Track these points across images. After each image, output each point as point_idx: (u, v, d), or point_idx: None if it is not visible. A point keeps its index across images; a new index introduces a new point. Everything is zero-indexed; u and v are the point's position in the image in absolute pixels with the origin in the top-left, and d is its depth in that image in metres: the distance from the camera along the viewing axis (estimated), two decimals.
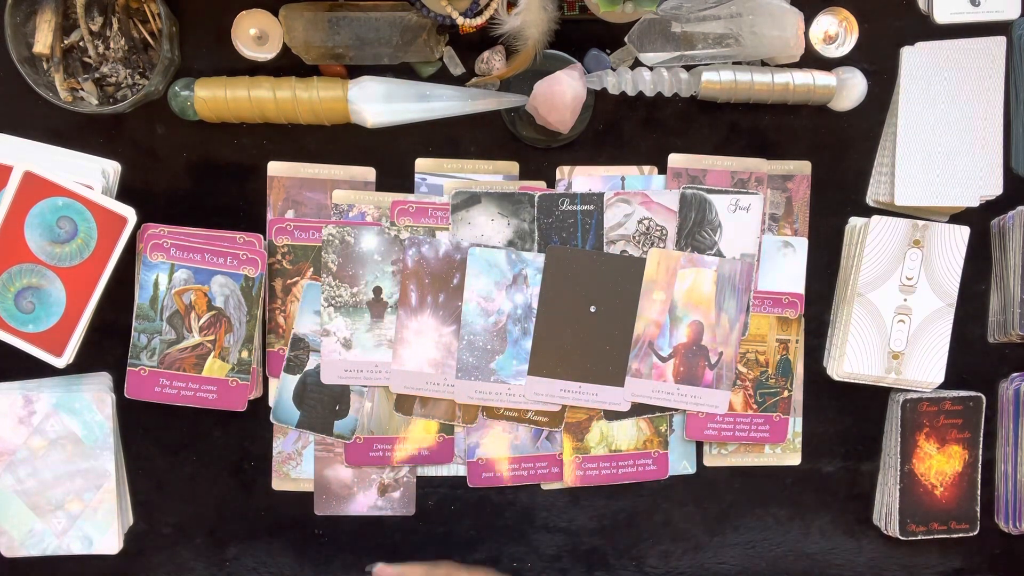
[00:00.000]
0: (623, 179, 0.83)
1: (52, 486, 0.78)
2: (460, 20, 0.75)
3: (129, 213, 0.75)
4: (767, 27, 0.79)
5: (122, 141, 0.80)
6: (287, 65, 0.80)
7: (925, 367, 0.84)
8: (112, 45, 0.77)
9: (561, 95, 0.77)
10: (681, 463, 0.87)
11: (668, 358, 0.83)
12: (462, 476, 0.85)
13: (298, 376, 0.82)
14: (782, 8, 0.79)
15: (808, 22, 0.83)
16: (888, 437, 0.88)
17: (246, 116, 0.78)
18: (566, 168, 0.83)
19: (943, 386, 0.85)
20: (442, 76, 0.81)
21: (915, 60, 0.83)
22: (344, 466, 0.83)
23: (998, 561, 0.90)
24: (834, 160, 0.86)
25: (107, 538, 0.80)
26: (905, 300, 0.84)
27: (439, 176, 0.82)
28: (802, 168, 0.85)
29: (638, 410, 0.84)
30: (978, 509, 0.87)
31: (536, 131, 0.81)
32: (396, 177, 0.82)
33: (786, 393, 0.86)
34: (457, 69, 0.81)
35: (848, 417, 0.88)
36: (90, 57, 0.77)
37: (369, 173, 0.82)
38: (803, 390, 0.87)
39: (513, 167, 0.83)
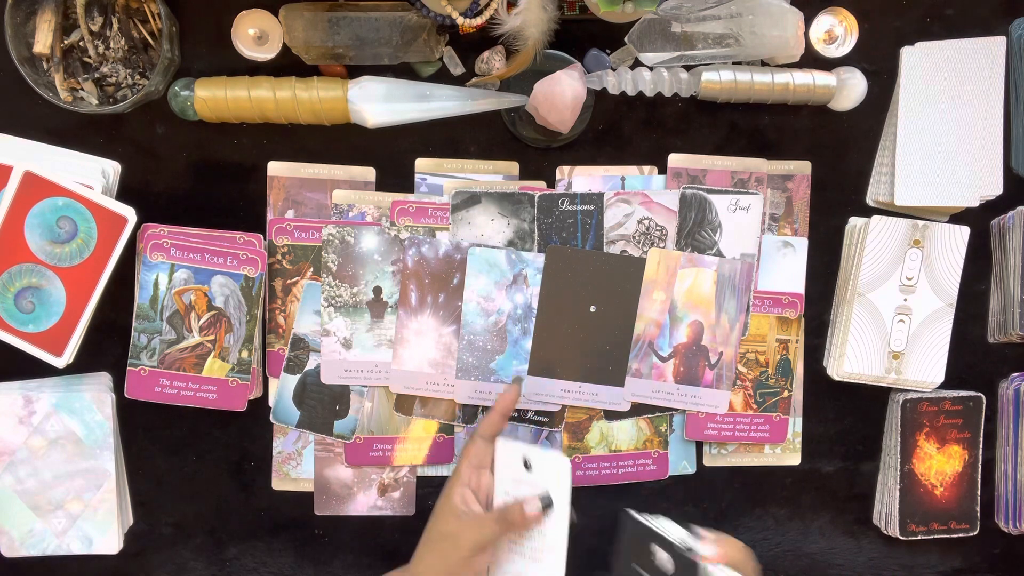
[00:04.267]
0: (623, 179, 0.83)
1: (52, 486, 0.78)
2: (460, 20, 0.75)
3: (129, 213, 0.75)
4: (767, 27, 0.79)
5: (122, 141, 0.80)
6: (287, 65, 0.80)
7: (925, 367, 0.84)
8: (112, 45, 0.77)
9: (561, 95, 0.77)
10: (681, 463, 0.87)
11: (668, 358, 0.83)
12: None
13: (298, 376, 0.82)
14: (782, 8, 0.79)
15: (808, 22, 0.83)
16: (888, 437, 0.88)
17: (246, 116, 0.78)
18: (566, 168, 0.83)
19: (943, 386, 0.86)
20: (442, 76, 0.81)
21: (915, 60, 0.83)
22: (344, 466, 0.83)
23: (998, 561, 0.90)
24: (834, 160, 0.86)
25: (107, 538, 0.80)
26: (905, 300, 0.84)
27: (439, 176, 0.82)
28: (802, 168, 0.85)
29: (638, 410, 0.84)
30: (978, 509, 0.87)
31: (536, 131, 0.81)
32: (396, 177, 0.82)
33: (786, 393, 0.86)
34: (457, 69, 0.81)
35: (848, 417, 0.88)
36: (90, 57, 0.77)
37: (369, 173, 0.82)
38: (803, 390, 0.87)
39: (513, 167, 0.83)
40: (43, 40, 0.75)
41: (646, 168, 0.84)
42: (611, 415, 0.84)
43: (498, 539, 0.69)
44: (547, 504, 0.68)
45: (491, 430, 0.74)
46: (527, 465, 0.70)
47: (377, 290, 0.81)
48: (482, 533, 0.68)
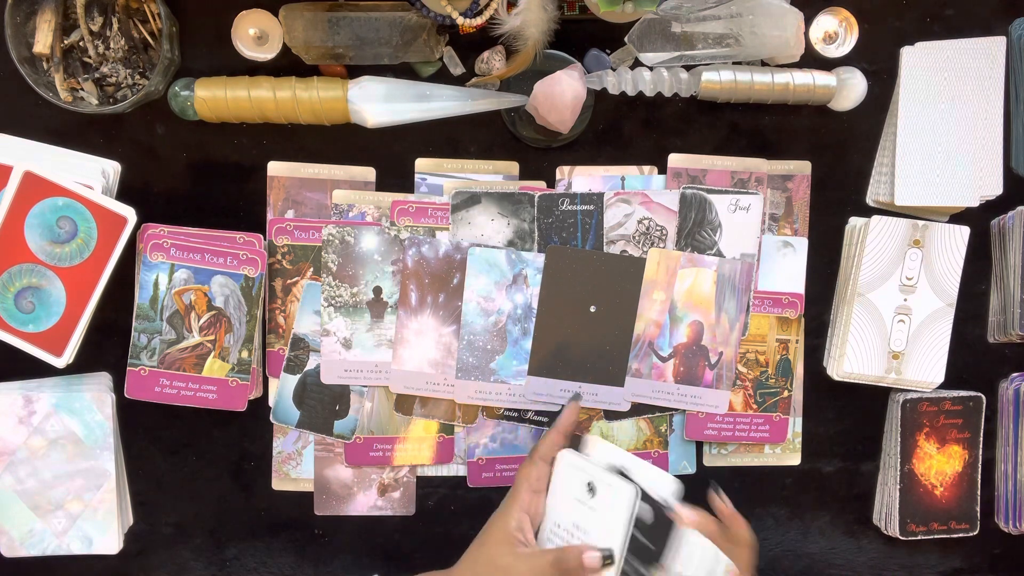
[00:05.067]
0: (623, 179, 0.84)
1: (52, 486, 0.78)
2: (460, 20, 0.75)
3: (129, 213, 0.75)
4: (767, 27, 0.79)
5: (122, 141, 0.80)
6: (287, 65, 0.80)
7: (925, 367, 0.84)
8: (112, 45, 0.77)
9: (561, 95, 0.77)
10: (681, 463, 0.87)
11: (668, 358, 0.83)
12: (462, 476, 0.85)
13: (298, 376, 0.82)
14: (782, 8, 0.79)
15: (808, 22, 0.83)
16: (888, 437, 0.88)
17: (246, 116, 0.78)
18: (566, 168, 0.83)
19: (943, 386, 0.86)
20: (442, 76, 0.81)
21: (915, 60, 0.83)
22: (344, 466, 0.83)
23: (998, 561, 0.90)
24: (834, 160, 0.86)
25: (107, 538, 0.80)
26: (905, 300, 0.84)
27: (439, 176, 0.82)
28: (802, 168, 0.85)
29: (638, 410, 0.84)
30: (978, 509, 0.87)
31: (536, 131, 0.81)
32: (396, 177, 0.82)
33: (786, 393, 0.86)
34: (457, 69, 0.81)
35: (848, 417, 0.88)
36: (90, 57, 0.77)
37: (369, 173, 0.82)
38: (803, 390, 0.87)
39: (513, 167, 0.83)
40: (43, 40, 0.75)
41: (646, 168, 0.84)
42: (611, 415, 0.84)
43: None
44: (608, 559, 0.63)
45: (552, 451, 0.71)
46: (591, 489, 0.66)
47: (377, 290, 0.81)
48: (534, 574, 0.65)
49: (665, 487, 0.69)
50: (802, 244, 0.85)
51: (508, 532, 0.67)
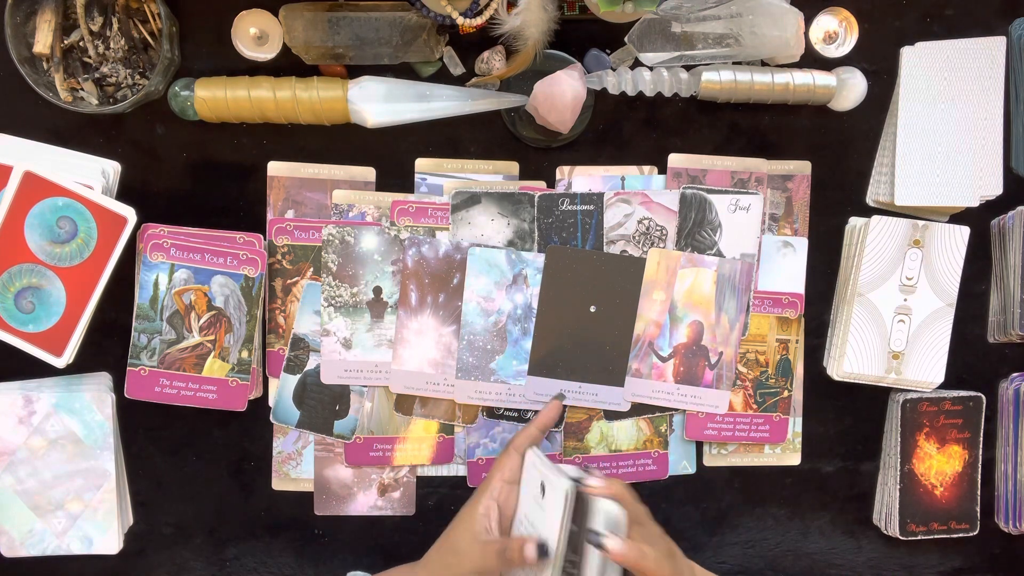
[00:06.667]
0: (623, 179, 0.84)
1: (52, 486, 0.78)
2: (460, 20, 0.75)
3: (129, 213, 0.75)
4: (767, 27, 0.79)
5: (122, 141, 0.80)
6: (287, 65, 0.80)
7: (925, 367, 0.84)
8: (112, 45, 0.77)
9: (561, 95, 0.77)
10: (681, 463, 0.87)
11: (668, 358, 0.83)
12: (462, 476, 0.85)
13: (298, 376, 0.82)
14: (782, 8, 0.79)
15: (808, 22, 0.83)
16: (888, 437, 0.88)
17: (246, 116, 0.78)
18: (566, 168, 0.83)
19: (943, 386, 0.86)
20: (442, 76, 0.81)
21: (915, 60, 0.83)
22: (344, 466, 0.83)
23: (998, 561, 0.90)
24: (834, 160, 0.86)
25: (107, 538, 0.80)
26: (905, 300, 0.84)
27: (439, 176, 0.82)
28: (802, 168, 0.85)
29: (638, 410, 0.84)
30: (978, 509, 0.87)
31: (536, 131, 0.81)
32: (396, 177, 0.82)
33: (786, 393, 0.86)
34: (457, 69, 0.81)
35: (848, 417, 0.88)
36: (90, 57, 0.77)
37: (369, 173, 0.82)
38: (803, 390, 0.87)
39: (513, 167, 0.83)
40: (43, 40, 0.75)
41: (646, 168, 0.84)
42: (611, 415, 0.84)
43: (496, 572, 0.68)
44: (543, 552, 0.65)
45: (527, 443, 0.73)
46: (543, 489, 0.67)
47: (377, 290, 0.81)
48: (484, 563, 0.67)
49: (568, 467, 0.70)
50: (802, 244, 0.85)
51: (474, 517, 0.70)
